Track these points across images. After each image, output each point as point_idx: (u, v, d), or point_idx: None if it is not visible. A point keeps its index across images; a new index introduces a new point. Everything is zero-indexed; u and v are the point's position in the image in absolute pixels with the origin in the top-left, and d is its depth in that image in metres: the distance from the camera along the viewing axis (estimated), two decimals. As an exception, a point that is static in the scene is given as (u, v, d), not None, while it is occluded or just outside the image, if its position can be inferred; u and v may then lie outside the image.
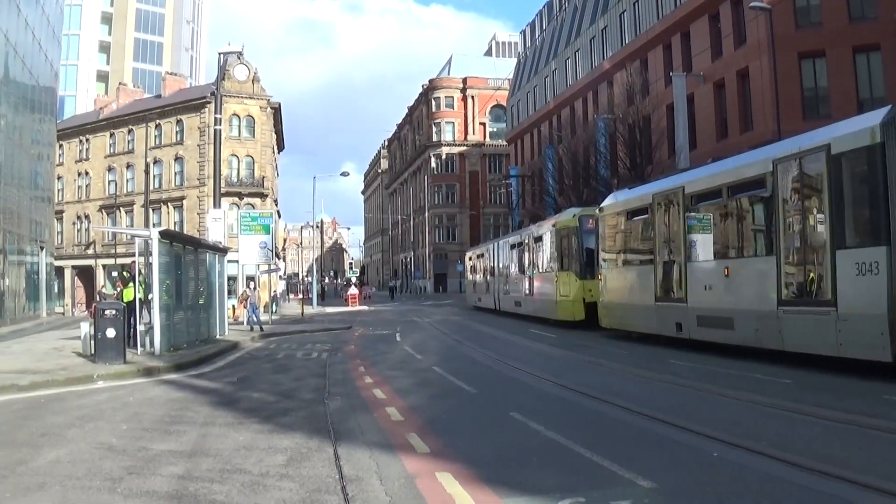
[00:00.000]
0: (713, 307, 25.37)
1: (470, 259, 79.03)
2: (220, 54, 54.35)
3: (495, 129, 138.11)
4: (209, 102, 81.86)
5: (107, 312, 24.55)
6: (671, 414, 14.28)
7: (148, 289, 28.51)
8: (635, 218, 32.22)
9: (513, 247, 56.04)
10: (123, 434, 13.75)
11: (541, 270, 47.48)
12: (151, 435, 13.70)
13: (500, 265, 60.56)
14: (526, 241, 51.65)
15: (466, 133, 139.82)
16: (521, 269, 52.61)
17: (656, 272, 29.58)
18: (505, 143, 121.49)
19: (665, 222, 29.24)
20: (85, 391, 19.90)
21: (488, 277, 65.42)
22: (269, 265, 53.40)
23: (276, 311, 60.80)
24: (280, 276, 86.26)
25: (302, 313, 64.91)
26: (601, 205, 37.10)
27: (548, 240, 45.65)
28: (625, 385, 19.29)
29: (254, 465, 11.14)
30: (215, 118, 45.05)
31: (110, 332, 24.14)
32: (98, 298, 41.86)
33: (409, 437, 12.97)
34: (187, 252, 31.62)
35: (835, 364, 19.58)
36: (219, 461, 11.44)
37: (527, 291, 50.32)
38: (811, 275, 20.67)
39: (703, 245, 26.95)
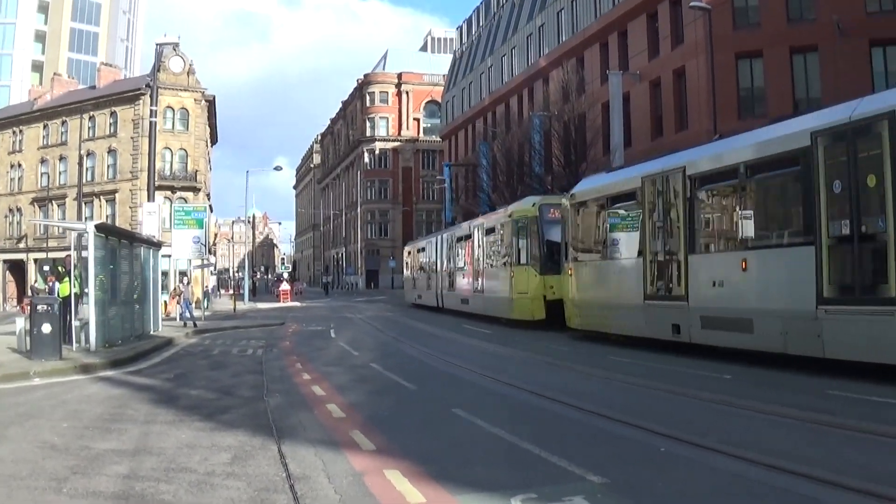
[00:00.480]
0: (724, 307, 22.01)
1: (409, 254, 76.38)
2: (157, 45, 54.05)
3: (429, 125, 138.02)
4: (144, 94, 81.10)
5: (42, 308, 24.15)
6: (616, 410, 14.33)
7: (83, 283, 28.12)
8: (618, 205, 29.16)
9: (459, 240, 53.00)
10: (65, 432, 13.52)
11: (493, 265, 44.25)
12: (93, 433, 13.48)
13: (445, 260, 57.20)
14: (475, 233, 48.29)
15: (400, 128, 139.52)
16: (470, 264, 49.44)
17: (646, 266, 26.24)
18: (439, 139, 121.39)
19: (659, 209, 25.79)
20: (21, 388, 19.59)
21: (430, 273, 62.33)
22: (203, 260, 53.06)
23: (207, 307, 60.35)
24: (211, 272, 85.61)
25: (234, 309, 64.55)
26: (572, 191, 34.02)
27: (501, 231, 42.29)
28: (567, 382, 19.40)
29: (199, 464, 10.97)
30: (151, 110, 44.59)
31: (46, 328, 23.74)
32: (30, 293, 41.34)
33: (352, 434, 12.86)
34: (122, 246, 31.09)
35: (776, 359, 19.88)
36: (163, 460, 11.25)
37: (476, 288, 47.21)
38: (866, 266, 17.78)
39: (711, 234, 24.34)
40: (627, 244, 28.35)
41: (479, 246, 47.53)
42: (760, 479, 9.50)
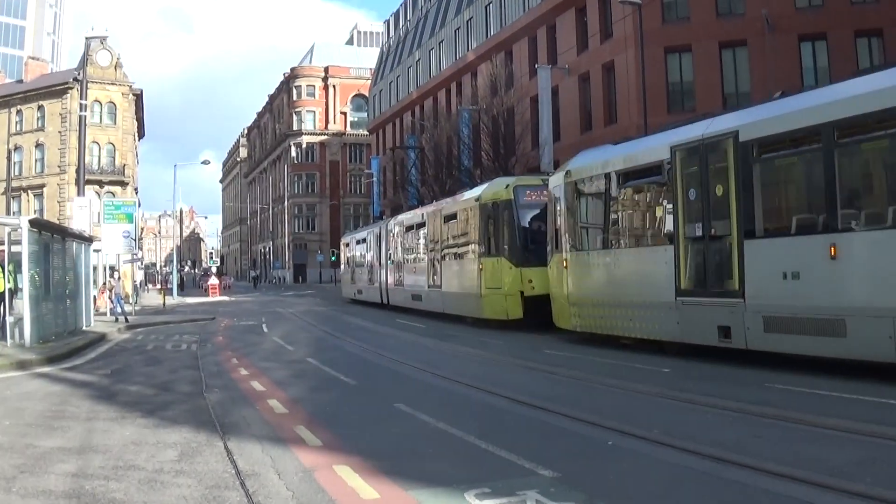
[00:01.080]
0: (802, 305, 17.48)
1: (346, 245, 70.51)
2: (86, 39, 53.24)
3: (357, 119, 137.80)
4: (72, 88, 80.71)
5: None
6: (559, 404, 14.41)
7: (16, 279, 27.88)
8: (633, 181, 24.36)
9: (409, 228, 47.62)
10: (7, 430, 13.40)
11: (455, 257, 39.20)
12: (36, 431, 13.37)
13: (391, 251, 51.46)
14: (431, 220, 43.07)
15: (327, 122, 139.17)
16: (424, 256, 44.25)
17: (679, 255, 21.72)
18: (367, 132, 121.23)
19: (697, 184, 21.32)
20: (-44, 385, 19.33)
21: (373, 266, 56.56)
22: (132, 254, 52.66)
23: (136, 302, 59.81)
24: (139, 266, 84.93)
25: (163, 304, 63.92)
26: (566, 167, 28.31)
27: (466, 218, 37.43)
28: (507, 376, 19.43)
29: (146, 462, 10.90)
30: (80, 104, 44.36)
31: (-21, 324, 23.54)
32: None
33: (297, 429, 12.85)
34: (55, 241, 30.90)
35: (711, 352, 20.03)
36: (110, 458, 11.17)
37: (432, 283, 42.18)
38: None
39: (780, 212, 19.85)
40: (651, 229, 24.22)
41: (435, 235, 42.18)
42: (709, 471, 9.62)
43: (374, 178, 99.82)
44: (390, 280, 51.31)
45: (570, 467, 9.98)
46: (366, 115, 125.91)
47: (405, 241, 48.40)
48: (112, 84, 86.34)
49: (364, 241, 61.34)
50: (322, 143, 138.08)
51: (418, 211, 48.16)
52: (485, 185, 37.64)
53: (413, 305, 46.03)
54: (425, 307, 43.60)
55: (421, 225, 44.93)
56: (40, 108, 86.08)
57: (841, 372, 16.48)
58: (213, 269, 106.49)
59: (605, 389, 16.43)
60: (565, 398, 15.20)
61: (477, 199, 35.87)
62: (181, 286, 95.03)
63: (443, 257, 40.84)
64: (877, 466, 9.59)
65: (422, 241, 44.87)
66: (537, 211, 32.77)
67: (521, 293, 32.30)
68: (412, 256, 46.88)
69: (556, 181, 28.64)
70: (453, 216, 39.66)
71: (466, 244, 37.65)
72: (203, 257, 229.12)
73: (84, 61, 56.12)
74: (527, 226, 33.18)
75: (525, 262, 32.35)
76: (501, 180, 36.67)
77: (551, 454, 10.61)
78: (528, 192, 33.67)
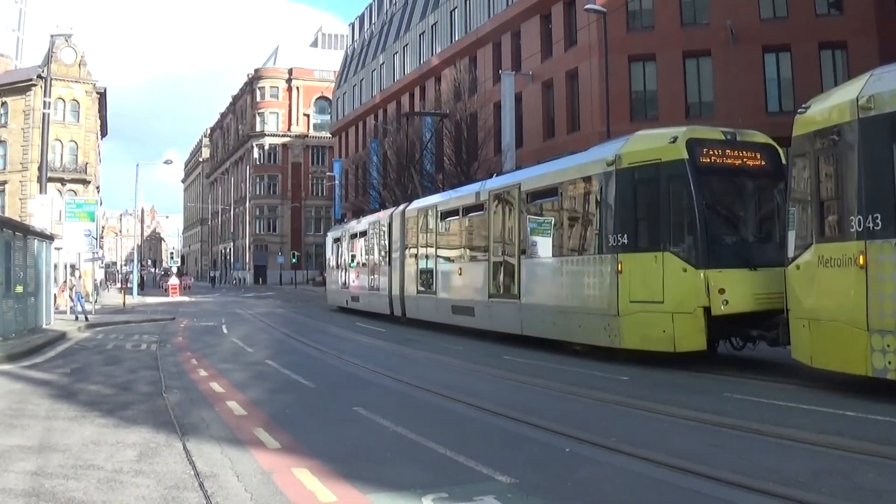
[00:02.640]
0: None
1: (336, 242, 56.36)
2: (51, 36, 53.00)
3: (320, 121, 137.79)
4: (35, 85, 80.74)
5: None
6: (518, 410, 14.44)
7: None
8: None
9: (450, 215, 35.03)
10: (-35, 428, 13.31)
11: (555, 253, 26.21)
12: (-6, 429, 13.31)
13: (411, 247, 39.12)
14: (497, 203, 30.44)
15: (290, 124, 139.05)
16: (481, 254, 31.38)
17: None
18: (329, 135, 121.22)
19: None
20: (-87, 381, 19.19)
21: (378, 266, 44.53)
22: (94, 253, 52.50)
23: (97, 301, 59.51)
24: (99, 265, 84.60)
25: (123, 303, 63.57)
26: (862, 90, 15.53)
27: (582, 193, 25.30)
28: (466, 382, 19.44)
29: (105, 461, 10.89)
30: (44, 102, 44.16)
31: (-62, 321, 23.44)
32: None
33: (256, 432, 12.86)
34: (16, 238, 30.77)
35: (666, 361, 20.10)
36: (69, 457, 11.15)
37: (498, 290, 29.73)
38: None
39: None
40: None
41: (507, 222, 29.68)
42: (666, 480, 9.71)
43: (336, 181, 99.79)
44: (409, 286, 39.12)
45: (527, 473, 10.04)
46: (329, 117, 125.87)
47: (441, 232, 35.78)
48: (76, 82, 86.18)
49: (363, 234, 48.25)
50: (285, 145, 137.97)
51: (465, 189, 35.33)
52: (617, 141, 24.53)
53: (454, 321, 33.67)
54: (479, 325, 31.30)
55: (474, 209, 32.28)
56: (3, 104, 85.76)
57: (797, 382, 16.69)
58: (174, 269, 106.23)
59: (567, 397, 16.30)
60: (527, 405, 15.08)
61: (611, 163, 22.98)
62: (141, 286, 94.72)
63: (525, 253, 27.83)
64: (832, 477, 9.72)
65: (475, 231, 32.52)
66: (728, 179, 22.21)
67: (706, 310, 20.17)
68: (456, 254, 34.29)
69: (826, 112, 16.89)
70: (548, 193, 27.02)
71: (581, 234, 25.66)
72: (164, 257, 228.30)
73: (48, 58, 55.91)
74: (713, 203, 21.80)
75: (713, 262, 20.66)
76: (658, 132, 23.60)
77: (509, 460, 10.65)
78: (709, 148, 21.90)
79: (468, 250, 32.92)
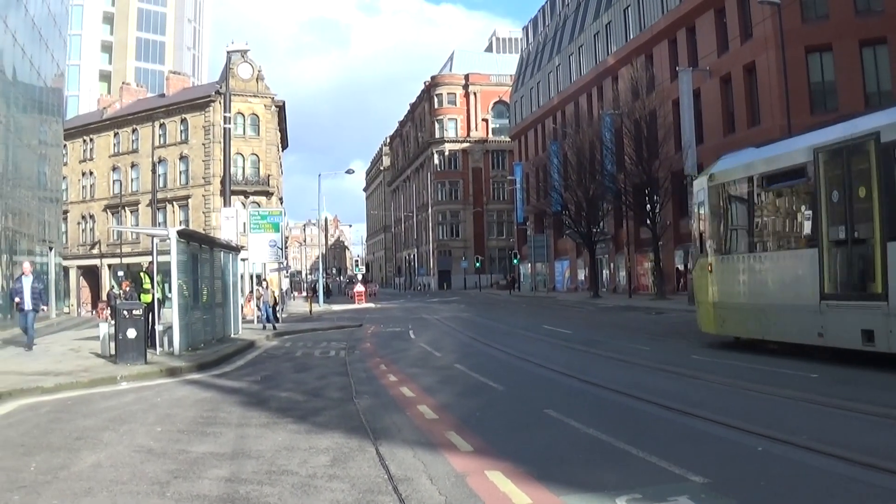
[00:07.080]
0: None
1: (729, 195, 25.32)
2: (227, 52, 54.13)
3: (498, 126, 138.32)
4: (213, 101, 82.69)
5: (127, 313, 24.41)
6: (706, 409, 14.23)
7: (165, 289, 28.52)
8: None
9: None
10: (159, 437, 13.61)
11: None
12: (188, 437, 13.58)
13: None
14: None
15: (469, 129, 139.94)
16: None
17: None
18: (508, 139, 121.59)
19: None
20: (110, 393, 19.65)
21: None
22: (279, 263, 53.44)
23: (283, 310, 60.65)
24: (285, 275, 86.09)
25: (310, 311, 64.56)
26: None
27: None
28: (653, 381, 19.14)
29: (299, 466, 11.06)
30: (224, 117, 45.24)
31: (131, 333, 23.95)
32: (107, 299, 41.84)
33: (448, 435, 12.88)
34: (203, 251, 31.44)
35: (857, 358, 19.38)
36: (263, 463, 11.35)
37: None
38: None
39: None
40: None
41: None
42: (861, 479, 9.43)
43: (517, 185, 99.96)
44: None
45: (720, 473, 9.88)
46: (507, 121, 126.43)
47: None
48: (254, 96, 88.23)
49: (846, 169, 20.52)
50: (464, 151, 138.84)
51: None
52: None
53: None
54: None
55: None
56: (183, 121, 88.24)
57: None
58: (359, 277, 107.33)
59: (753, 395, 15.99)
60: (713, 404, 14.94)
61: None
62: (327, 293, 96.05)
63: None
64: None
65: None
66: None
67: None
68: None
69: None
70: None
71: None
72: (348, 265, 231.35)
73: (226, 74, 57.32)
74: None
75: None
76: None
77: (701, 460, 10.49)
78: None
79: None
